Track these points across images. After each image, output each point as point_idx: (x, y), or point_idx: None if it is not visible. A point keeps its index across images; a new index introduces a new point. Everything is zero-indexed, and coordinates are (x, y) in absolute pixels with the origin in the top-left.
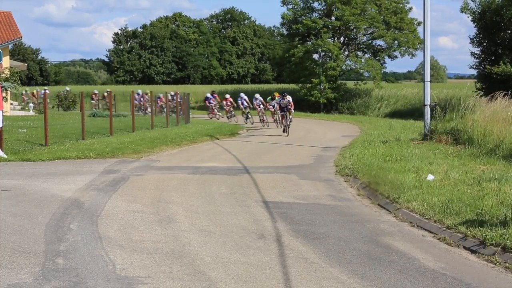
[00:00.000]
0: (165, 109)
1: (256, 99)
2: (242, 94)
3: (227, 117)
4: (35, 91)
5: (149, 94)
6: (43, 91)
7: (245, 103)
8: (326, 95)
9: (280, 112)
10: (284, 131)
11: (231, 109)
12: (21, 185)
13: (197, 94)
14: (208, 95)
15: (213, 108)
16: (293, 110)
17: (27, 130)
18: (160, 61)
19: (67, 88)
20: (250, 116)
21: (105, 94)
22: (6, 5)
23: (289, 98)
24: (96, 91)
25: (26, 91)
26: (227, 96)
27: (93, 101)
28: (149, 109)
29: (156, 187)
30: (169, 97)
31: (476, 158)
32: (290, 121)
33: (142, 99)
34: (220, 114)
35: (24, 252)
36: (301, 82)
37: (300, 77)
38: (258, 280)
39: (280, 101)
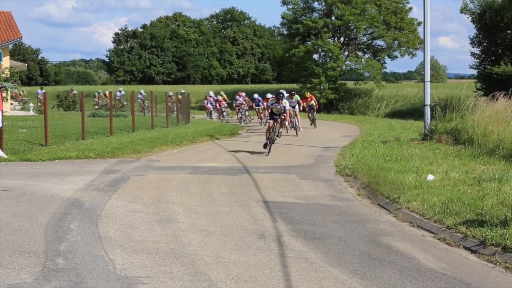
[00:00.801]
0: (224, 112)
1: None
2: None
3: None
4: (107, 92)
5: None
6: (119, 93)
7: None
8: (326, 95)
9: (269, 119)
10: (265, 146)
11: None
12: (21, 185)
13: (197, 94)
14: (256, 96)
15: (261, 112)
16: (316, 116)
17: (27, 130)
18: (160, 61)
19: (100, 91)
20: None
21: (171, 95)
22: (6, 5)
23: (285, 103)
24: (142, 91)
25: (99, 92)
26: (269, 95)
27: (139, 101)
28: (225, 113)
29: (156, 187)
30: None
31: (476, 158)
32: (314, 126)
33: (215, 101)
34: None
35: (24, 252)
36: (301, 82)
37: (300, 77)
38: (258, 280)
39: (272, 104)
